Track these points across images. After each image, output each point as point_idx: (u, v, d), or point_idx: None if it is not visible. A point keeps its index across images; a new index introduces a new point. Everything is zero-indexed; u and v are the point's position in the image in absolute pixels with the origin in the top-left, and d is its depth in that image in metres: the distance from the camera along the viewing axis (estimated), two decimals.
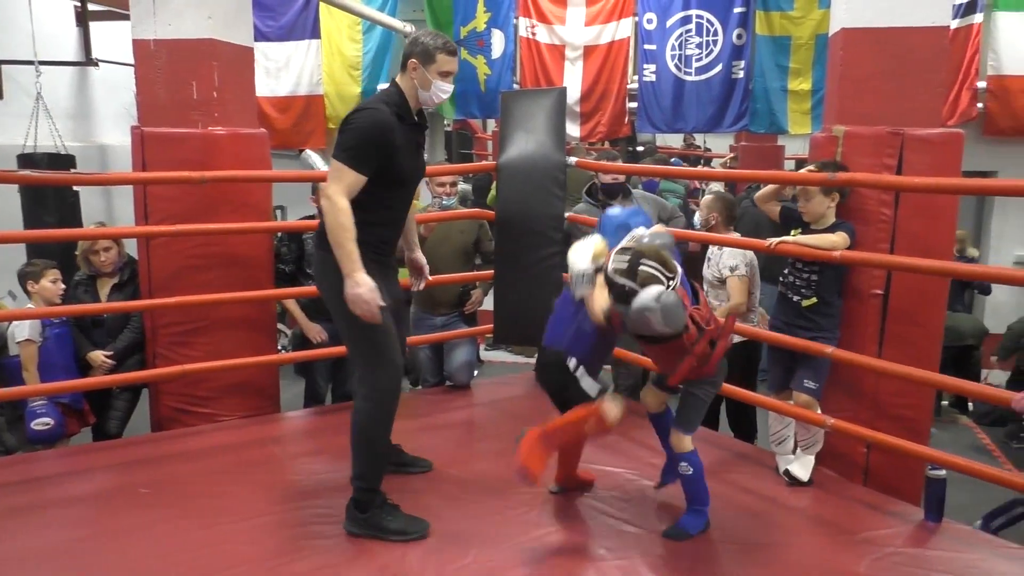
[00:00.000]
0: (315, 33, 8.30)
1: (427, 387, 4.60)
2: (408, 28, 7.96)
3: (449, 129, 9.59)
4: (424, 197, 4.67)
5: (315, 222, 4.27)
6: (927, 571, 2.56)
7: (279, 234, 4.32)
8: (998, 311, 5.29)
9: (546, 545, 2.70)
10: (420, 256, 3.28)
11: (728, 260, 4.05)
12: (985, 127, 6.91)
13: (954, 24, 6.55)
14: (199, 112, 3.87)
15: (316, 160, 8.51)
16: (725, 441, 3.88)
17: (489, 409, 4.29)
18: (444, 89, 2.75)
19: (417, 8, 7.94)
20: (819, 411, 3.26)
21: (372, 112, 2.63)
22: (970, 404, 6.17)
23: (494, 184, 8.19)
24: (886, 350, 3.27)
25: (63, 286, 3.95)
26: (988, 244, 7.19)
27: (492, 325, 4.48)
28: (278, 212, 7.46)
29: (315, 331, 4.22)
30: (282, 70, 8.41)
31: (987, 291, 6.23)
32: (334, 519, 2.80)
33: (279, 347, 4.66)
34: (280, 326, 4.68)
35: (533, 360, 4.86)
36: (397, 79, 2.78)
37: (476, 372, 4.77)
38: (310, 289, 4.12)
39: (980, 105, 6.88)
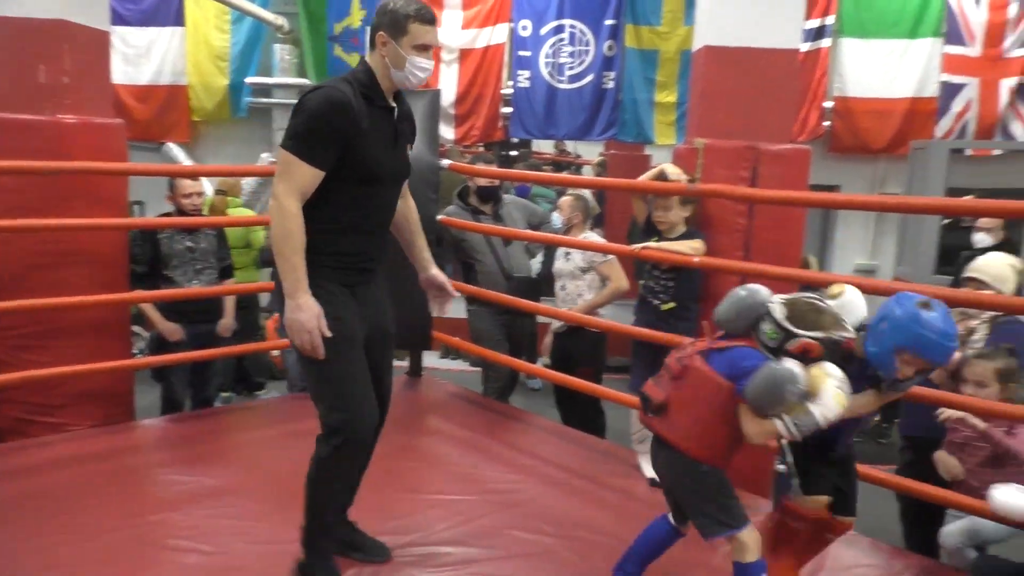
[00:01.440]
0: (179, 20, 7.95)
1: (297, 392, 4.48)
2: (280, 21, 7.74)
3: None
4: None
5: (172, 219, 4.09)
6: None
7: (132, 233, 4.08)
8: None
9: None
10: (438, 274, 2.69)
11: (588, 254, 4.18)
12: (830, 144, 7.45)
13: (804, 47, 7.02)
14: (48, 98, 3.62)
15: (178, 154, 8.15)
16: (582, 437, 3.97)
17: None
18: (421, 66, 2.24)
19: (290, 1, 7.73)
20: None
21: (327, 91, 2.15)
22: None
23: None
24: None
25: None
26: (833, 253, 7.74)
27: None
28: (136, 208, 7.06)
29: (171, 330, 4.01)
30: (142, 57, 8.00)
31: None
32: (197, 532, 2.69)
33: (135, 351, 4.41)
34: (136, 328, 4.43)
35: (403, 364, 4.83)
36: (366, 56, 2.30)
37: None
38: (168, 292, 3.94)
39: (826, 123, 7.41)
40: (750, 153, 3.45)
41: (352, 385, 2.26)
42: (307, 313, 2.13)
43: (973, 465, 2.78)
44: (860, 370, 2.05)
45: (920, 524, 3.17)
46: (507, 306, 4.25)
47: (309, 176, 2.15)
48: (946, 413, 2.83)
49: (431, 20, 2.24)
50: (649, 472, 3.38)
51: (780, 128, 3.62)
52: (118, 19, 7.61)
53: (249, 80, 7.93)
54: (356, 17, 7.65)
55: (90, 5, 3.78)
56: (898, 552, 2.92)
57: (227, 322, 4.23)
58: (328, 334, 2.16)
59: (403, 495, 3.07)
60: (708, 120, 3.61)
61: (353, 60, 7.66)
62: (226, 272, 4.28)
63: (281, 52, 7.92)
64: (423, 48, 2.23)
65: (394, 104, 2.32)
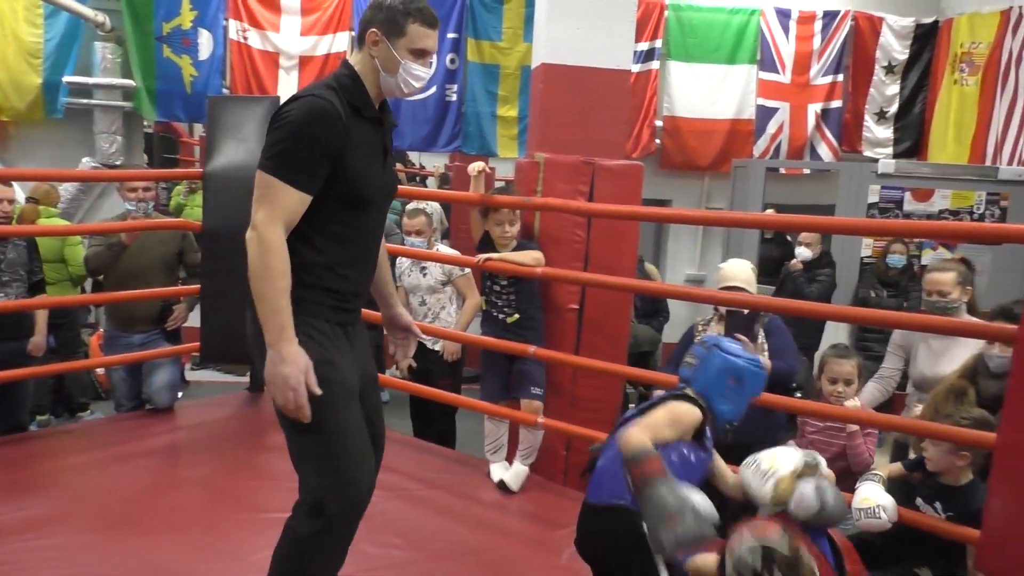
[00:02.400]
0: None
1: (124, 412, 4.19)
2: (101, 18, 7.23)
3: (150, 131, 8.85)
4: (115, 206, 4.27)
5: None
6: None
7: None
8: (673, 323, 6.04)
9: None
10: (402, 313, 2.34)
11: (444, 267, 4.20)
12: (661, 161, 7.89)
13: (636, 68, 7.41)
14: None
15: None
16: (436, 449, 3.99)
17: (195, 432, 4.01)
18: (417, 74, 1.95)
19: None
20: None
21: (311, 100, 1.84)
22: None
23: (175, 190, 7.74)
24: (582, 356, 3.59)
25: None
26: (665, 264, 8.18)
27: (199, 343, 4.21)
28: None
29: None
30: None
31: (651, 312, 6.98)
32: (14, 567, 2.46)
33: None
34: None
35: (244, 379, 4.65)
36: (350, 58, 1.99)
37: (180, 394, 4.44)
38: None
39: (657, 141, 7.84)
40: (588, 168, 3.60)
41: (347, 444, 1.91)
42: (292, 367, 1.77)
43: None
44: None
45: None
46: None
47: (295, 202, 1.83)
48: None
49: (434, 23, 1.96)
50: (497, 477, 3.44)
51: (615, 144, 3.80)
52: None
53: (67, 79, 7.35)
54: (187, 18, 7.28)
55: None
56: None
57: (38, 340, 3.90)
58: (317, 391, 1.81)
59: (242, 514, 2.95)
60: (548, 135, 3.73)
61: (184, 62, 7.29)
62: (37, 287, 3.95)
63: (103, 51, 7.38)
64: (421, 53, 1.95)
65: (380, 114, 2.00)
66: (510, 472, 3.44)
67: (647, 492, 1.73)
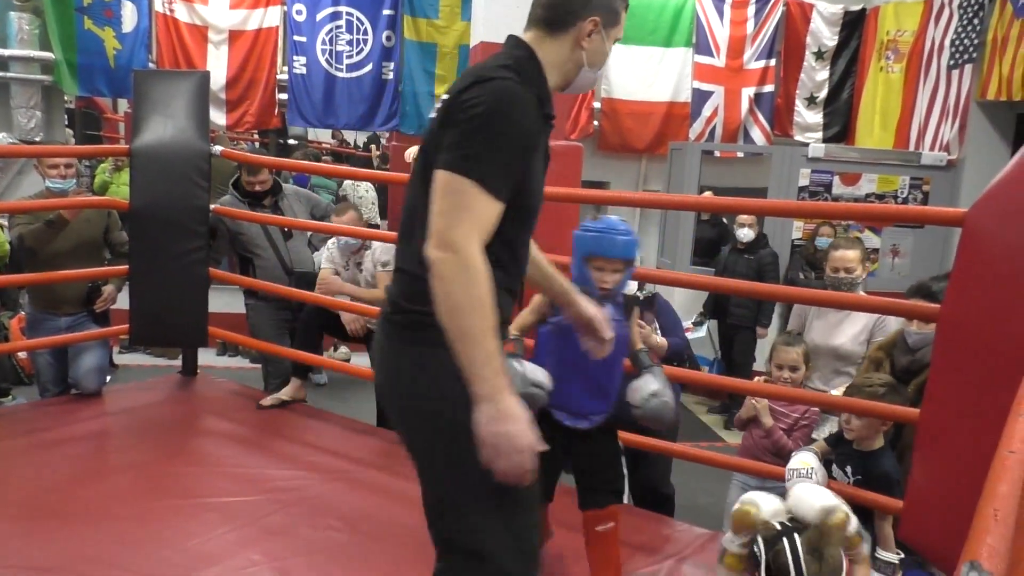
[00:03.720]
0: None
1: (49, 397, 4.04)
2: None
3: (71, 107, 8.49)
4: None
5: None
6: None
7: None
8: None
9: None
10: (588, 308, 1.94)
11: (381, 256, 4.11)
12: (599, 143, 7.93)
13: None
14: None
15: None
16: (375, 431, 3.95)
17: (124, 417, 3.88)
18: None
19: None
20: None
21: (502, 86, 1.48)
22: None
23: (100, 168, 7.46)
24: None
25: None
26: None
27: (127, 325, 4.07)
28: None
29: None
30: None
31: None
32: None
33: None
34: None
35: (176, 363, 4.52)
36: (530, 38, 1.64)
37: (108, 378, 4.30)
38: None
39: (596, 123, 7.88)
40: None
41: (528, 521, 1.58)
42: (518, 423, 1.41)
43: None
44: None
45: None
46: (288, 300, 4.10)
47: (493, 215, 1.46)
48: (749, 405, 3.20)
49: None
50: None
51: (555, 125, 3.79)
52: None
53: None
54: None
55: None
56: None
57: None
58: (542, 448, 1.45)
59: (175, 501, 2.88)
60: None
61: (106, 34, 6.98)
62: None
63: (19, 21, 7.03)
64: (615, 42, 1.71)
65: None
66: None
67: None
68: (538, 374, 2.06)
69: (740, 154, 7.94)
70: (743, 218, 5.84)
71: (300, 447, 3.53)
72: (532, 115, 1.51)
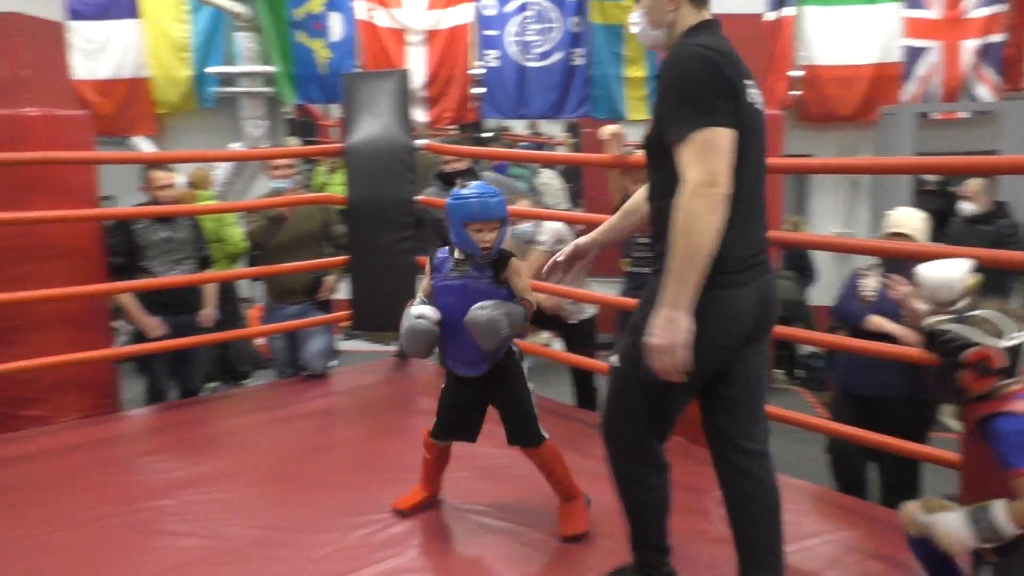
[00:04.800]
0: (135, 12, 7.79)
1: (283, 378, 4.46)
2: (238, 8, 7.61)
3: (291, 116, 9.29)
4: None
5: (148, 208, 4.01)
6: None
7: (108, 224, 4.01)
8: (823, 285, 5.78)
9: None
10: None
11: (534, 235, 4.13)
12: (799, 113, 7.50)
13: (770, 16, 7.06)
14: (7, 92, 3.54)
15: (146, 148, 8.01)
16: (582, 414, 3.97)
17: (347, 397, 4.21)
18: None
19: None
20: None
21: (697, 50, 1.83)
22: (795, 371, 6.72)
23: (317, 170, 8.06)
24: None
25: None
26: (809, 222, 7.81)
27: (348, 312, 4.40)
28: (106, 203, 6.93)
29: (152, 325, 3.94)
30: (101, 51, 7.86)
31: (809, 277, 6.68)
32: (190, 517, 2.67)
33: (119, 345, 4.34)
34: (117, 324, 4.36)
35: (392, 348, 4.82)
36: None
37: (334, 362, 4.67)
38: (144, 282, 3.87)
39: (794, 92, 7.46)
40: None
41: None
42: (679, 336, 1.76)
43: None
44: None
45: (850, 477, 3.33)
46: None
47: (729, 143, 1.77)
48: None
49: None
50: None
51: None
52: (74, 14, 7.44)
53: (212, 70, 7.81)
54: (317, 2, 7.55)
55: None
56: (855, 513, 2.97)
57: (207, 312, 4.17)
58: (682, 378, 1.82)
59: (392, 474, 3.05)
60: None
61: (317, 45, 7.57)
62: (205, 262, 4.23)
63: (244, 40, 7.80)
64: None
65: None
66: None
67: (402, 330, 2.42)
68: (423, 309, 2.40)
69: (963, 114, 7.19)
70: (967, 189, 5.27)
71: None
72: (725, 65, 1.84)
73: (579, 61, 7.43)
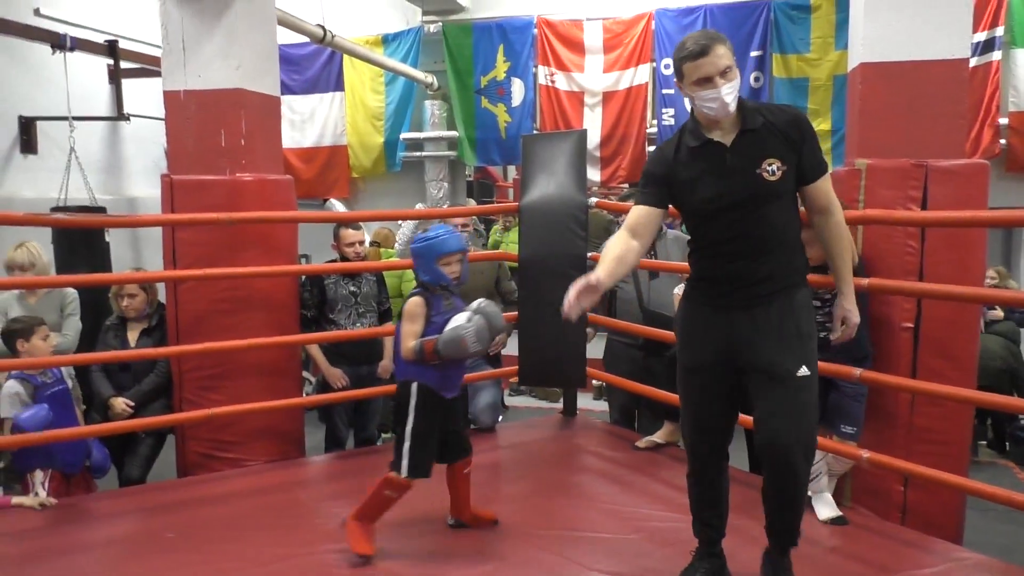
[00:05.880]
0: (339, 85, 8.50)
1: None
2: (429, 78, 8.12)
3: (471, 179, 9.73)
4: None
5: (337, 265, 4.30)
6: None
7: (302, 279, 4.35)
8: None
9: None
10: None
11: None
12: (1008, 163, 6.86)
13: (973, 62, 6.55)
14: (227, 159, 3.96)
15: (340, 208, 8.65)
16: (746, 477, 3.78)
17: (513, 451, 4.23)
18: (706, 97, 2.33)
19: (438, 59, 8.11)
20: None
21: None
22: (1007, 444, 6.01)
23: (493, 229, 8.30)
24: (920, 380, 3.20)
25: (55, 341, 3.82)
26: (1018, 279, 7.08)
27: (516, 367, 4.45)
28: (302, 260, 7.53)
29: (336, 376, 4.19)
30: (307, 122, 8.60)
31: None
32: (355, 562, 2.78)
33: (304, 394, 4.65)
34: (305, 373, 4.68)
35: (557, 405, 4.82)
36: None
37: (501, 417, 4.73)
38: (335, 334, 4.13)
39: (1003, 142, 6.85)
40: (919, 171, 3.23)
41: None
42: None
43: None
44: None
45: None
46: (637, 337, 4.11)
47: None
48: None
49: (699, 54, 2.30)
50: (824, 514, 3.17)
51: (951, 144, 3.36)
52: (285, 89, 8.23)
53: (404, 136, 8.34)
54: (501, 70, 7.90)
55: (263, 73, 4.12)
56: None
57: (386, 364, 4.37)
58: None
59: (556, 531, 3.03)
60: (869, 139, 3.42)
61: (499, 110, 7.90)
62: (385, 315, 4.45)
63: (431, 107, 8.29)
64: (704, 81, 2.31)
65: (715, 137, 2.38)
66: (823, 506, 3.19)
67: (440, 350, 2.74)
68: (458, 320, 2.77)
69: None
70: None
71: (675, 491, 3.50)
72: None
73: None
